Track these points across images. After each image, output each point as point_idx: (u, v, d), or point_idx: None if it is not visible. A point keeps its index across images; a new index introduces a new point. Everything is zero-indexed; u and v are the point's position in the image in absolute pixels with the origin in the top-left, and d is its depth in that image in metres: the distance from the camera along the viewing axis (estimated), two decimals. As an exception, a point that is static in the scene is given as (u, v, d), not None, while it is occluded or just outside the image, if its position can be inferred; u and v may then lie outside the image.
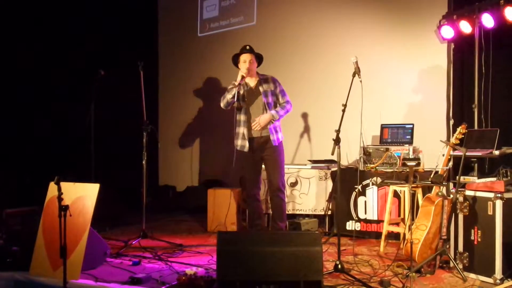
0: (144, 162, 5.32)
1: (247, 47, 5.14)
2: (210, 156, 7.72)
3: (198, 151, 7.88)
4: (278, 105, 5.16)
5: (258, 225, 5.24)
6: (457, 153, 4.45)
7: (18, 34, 6.78)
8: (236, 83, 4.99)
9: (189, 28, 8.08)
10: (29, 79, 6.84)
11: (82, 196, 4.05)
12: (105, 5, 7.62)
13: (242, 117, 5.14)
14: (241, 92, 5.06)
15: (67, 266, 3.45)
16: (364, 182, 5.48)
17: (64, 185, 3.53)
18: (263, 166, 5.26)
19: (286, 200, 5.55)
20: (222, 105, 5.16)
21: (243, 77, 4.99)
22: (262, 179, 5.37)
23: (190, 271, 3.81)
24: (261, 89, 5.11)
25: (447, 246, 4.11)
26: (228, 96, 5.08)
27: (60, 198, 3.43)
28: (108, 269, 4.25)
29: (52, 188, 4.07)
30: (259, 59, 5.20)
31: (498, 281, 3.74)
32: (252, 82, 5.17)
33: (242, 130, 5.14)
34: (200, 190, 7.34)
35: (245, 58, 5.08)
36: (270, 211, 5.63)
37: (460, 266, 4.01)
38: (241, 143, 5.15)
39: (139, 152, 5.37)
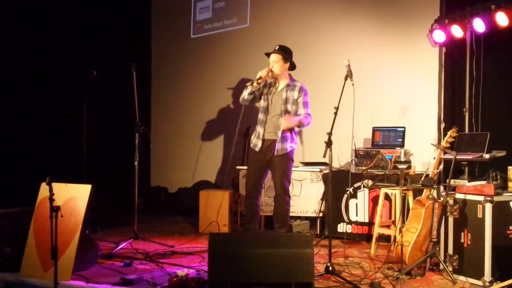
0: (136, 163, 5.32)
1: (277, 47, 4.95)
2: (202, 158, 7.72)
3: (190, 153, 7.88)
4: (297, 115, 4.89)
5: (252, 229, 5.02)
6: (447, 156, 4.48)
7: (7, 32, 6.73)
8: (255, 82, 4.82)
9: (182, 30, 8.09)
10: (20, 79, 6.80)
11: (74, 197, 4.04)
12: (98, 6, 7.60)
13: (261, 116, 4.98)
14: (260, 89, 4.92)
15: (58, 267, 3.45)
16: (356, 185, 5.51)
17: (56, 185, 3.53)
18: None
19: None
20: (240, 100, 5.01)
21: (261, 77, 4.79)
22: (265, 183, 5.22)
23: (181, 272, 3.81)
24: (284, 95, 4.90)
25: (437, 249, 4.13)
26: (244, 92, 4.93)
27: (51, 199, 3.43)
28: (99, 270, 4.24)
29: (44, 188, 4.06)
30: (290, 61, 4.98)
31: (487, 283, 3.77)
32: (281, 85, 4.97)
33: (259, 129, 4.98)
34: (192, 192, 7.35)
35: (271, 58, 4.92)
36: (263, 213, 5.66)
37: (450, 268, 4.03)
38: (255, 142, 4.97)
39: (131, 153, 5.37)
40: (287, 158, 4.88)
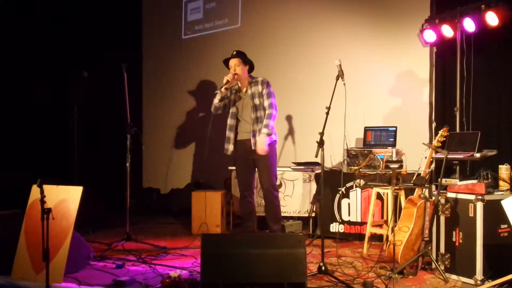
0: (128, 164, 5.30)
1: (234, 52, 5.21)
2: (194, 159, 7.71)
3: (183, 154, 7.87)
4: (263, 107, 5.15)
5: (250, 226, 5.25)
6: (439, 155, 4.50)
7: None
8: (221, 88, 5.06)
9: (173, 30, 8.08)
10: (9, 80, 6.75)
11: (65, 199, 4.02)
12: (89, 6, 7.57)
13: (231, 122, 5.23)
14: (227, 93, 5.15)
15: (50, 269, 3.43)
16: (348, 184, 5.52)
17: (47, 188, 3.51)
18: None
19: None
20: (212, 109, 5.23)
21: (227, 81, 5.04)
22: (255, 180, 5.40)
23: (174, 273, 3.79)
24: (249, 91, 5.16)
25: (429, 248, 4.15)
26: (215, 100, 5.16)
27: (42, 201, 3.41)
28: (91, 272, 4.22)
29: (35, 191, 4.04)
30: (250, 63, 5.26)
31: (479, 282, 3.78)
32: (242, 86, 5.23)
33: (229, 134, 5.24)
34: (184, 193, 7.33)
35: (231, 63, 5.17)
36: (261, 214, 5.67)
37: (442, 267, 4.05)
38: (226, 146, 5.25)
39: (123, 154, 5.35)
40: (271, 151, 5.10)
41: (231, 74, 5.07)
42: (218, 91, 5.10)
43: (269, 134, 5.03)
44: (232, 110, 5.24)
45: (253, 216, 5.34)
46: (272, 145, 5.12)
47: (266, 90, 5.13)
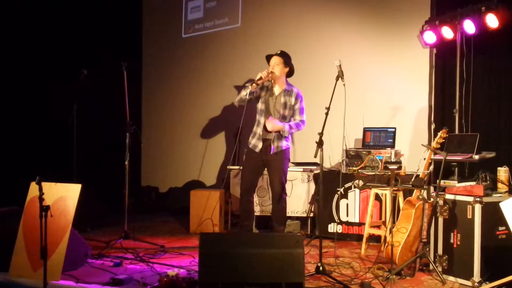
0: (126, 162, 5.30)
1: (279, 51, 5.11)
2: (193, 157, 7.70)
3: (181, 152, 7.87)
4: (292, 120, 5.11)
5: (247, 225, 5.23)
6: (438, 157, 4.51)
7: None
8: (253, 82, 4.94)
9: (173, 29, 8.07)
10: (11, 77, 6.75)
11: (64, 196, 4.02)
12: (89, 5, 7.57)
13: (259, 118, 5.13)
14: (257, 89, 5.05)
15: (48, 267, 3.43)
16: (346, 185, 5.53)
17: (46, 185, 3.51)
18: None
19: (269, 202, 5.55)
20: (236, 100, 5.12)
21: (261, 77, 4.91)
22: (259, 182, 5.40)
23: (172, 272, 3.81)
24: (282, 99, 5.07)
25: (427, 249, 4.15)
26: (243, 92, 5.03)
27: (41, 198, 3.40)
28: (89, 270, 4.22)
29: (33, 188, 4.04)
30: (290, 67, 5.15)
31: (476, 284, 3.79)
32: (277, 89, 5.13)
33: (258, 130, 5.12)
34: (183, 191, 7.33)
35: (272, 61, 5.07)
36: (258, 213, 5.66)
37: (440, 269, 4.06)
38: (254, 143, 5.12)
39: (121, 152, 5.35)
40: (284, 156, 5.07)
41: (267, 72, 4.95)
42: (249, 85, 4.98)
43: (284, 134, 5.02)
44: (260, 107, 5.13)
45: (252, 216, 5.34)
46: (286, 151, 5.10)
47: (300, 105, 5.11)
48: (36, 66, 6.94)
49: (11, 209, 4.49)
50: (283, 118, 5.07)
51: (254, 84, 4.93)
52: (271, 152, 5.03)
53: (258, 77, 4.92)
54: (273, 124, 4.98)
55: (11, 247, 4.03)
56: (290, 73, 5.19)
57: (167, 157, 8.03)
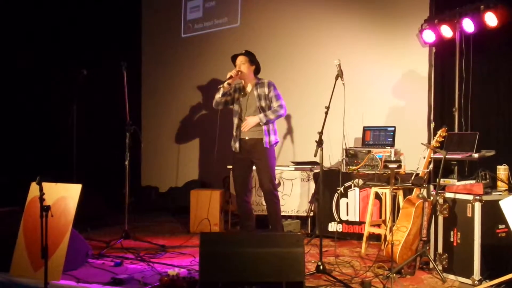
0: (126, 162, 5.30)
1: (243, 51, 5.20)
2: (193, 157, 7.71)
3: (181, 152, 7.87)
4: (271, 108, 5.11)
5: (249, 226, 5.23)
6: (437, 155, 4.51)
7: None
8: (224, 82, 5.01)
9: (173, 29, 8.08)
10: (7, 78, 6.75)
11: (64, 196, 4.03)
12: (88, 4, 7.57)
13: (235, 120, 5.19)
14: (230, 89, 5.13)
15: (48, 266, 3.43)
16: (346, 184, 5.53)
17: (46, 185, 3.51)
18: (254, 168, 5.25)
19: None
20: (213, 104, 5.20)
21: (231, 76, 5.00)
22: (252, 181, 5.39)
23: (172, 272, 3.80)
24: (255, 93, 5.12)
25: (427, 248, 4.15)
26: (217, 95, 5.13)
27: (42, 199, 3.40)
28: (89, 270, 4.23)
29: (34, 188, 4.04)
30: (257, 65, 5.23)
31: (476, 282, 3.79)
32: (248, 86, 5.20)
33: (235, 132, 5.19)
34: (183, 191, 7.34)
35: (238, 60, 5.15)
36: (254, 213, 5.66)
37: (440, 267, 4.06)
38: (233, 144, 5.19)
39: (121, 152, 5.35)
40: (268, 153, 5.07)
41: (235, 70, 5.05)
42: (221, 86, 5.06)
43: (263, 122, 5.01)
44: (235, 108, 5.21)
45: (251, 216, 5.32)
46: (271, 147, 5.11)
47: (274, 92, 5.11)
48: (36, 66, 6.95)
49: (12, 209, 4.50)
50: (262, 110, 5.08)
51: (225, 84, 5.02)
52: (253, 151, 5.06)
53: (228, 76, 5.01)
54: (246, 123, 5.04)
55: (12, 247, 4.03)
56: (257, 70, 5.25)
57: (167, 156, 8.04)
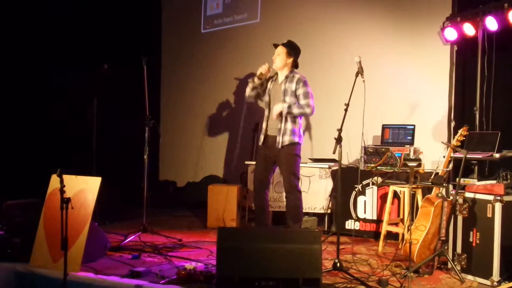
0: (145, 156, 5.34)
1: (285, 41, 4.98)
2: (211, 152, 7.73)
3: (200, 147, 7.90)
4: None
5: (261, 222, 5.11)
6: (457, 155, 4.46)
7: (19, 26, 6.78)
8: (254, 77, 4.92)
9: (192, 24, 8.09)
10: (30, 71, 6.84)
11: (84, 189, 4.08)
12: (110, 0, 7.63)
13: (265, 112, 5.03)
14: (260, 83, 4.97)
15: (68, 258, 3.47)
16: (364, 182, 5.50)
17: (66, 177, 3.55)
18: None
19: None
20: (245, 97, 5.11)
21: (261, 73, 4.87)
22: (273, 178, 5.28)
23: (189, 265, 3.83)
24: (283, 87, 4.89)
25: (446, 247, 4.12)
26: (247, 89, 5.01)
27: (62, 191, 3.44)
28: (108, 262, 4.28)
29: (54, 180, 4.09)
30: (294, 57, 4.97)
31: (495, 283, 3.76)
32: (280, 79, 4.97)
33: (263, 124, 5.00)
34: (200, 186, 7.37)
35: (276, 51, 4.96)
36: (270, 209, 5.66)
37: (458, 267, 4.03)
38: (260, 137, 5.04)
39: (140, 146, 5.39)
40: (292, 153, 4.83)
41: (266, 66, 4.87)
42: (251, 80, 4.95)
43: (285, 112, 4.77)
44: (265, 99, 5.01)
45: (267, 211, 5.18)
46: (294, 146, 4.85)
47: (303, 89, 4.80)
48: (57, 60, 7.02)
49: (33, 201, 4.56)
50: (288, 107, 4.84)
51: (255, 79, 4.91)
52: (277, 147, 4.82)
53: (258, 72, 4.88)
54: (274, 110, 4.83)
55: (32, 238, 4.09)
56: (295, 66, 5.01)
57: (185, 151, 8.07)
